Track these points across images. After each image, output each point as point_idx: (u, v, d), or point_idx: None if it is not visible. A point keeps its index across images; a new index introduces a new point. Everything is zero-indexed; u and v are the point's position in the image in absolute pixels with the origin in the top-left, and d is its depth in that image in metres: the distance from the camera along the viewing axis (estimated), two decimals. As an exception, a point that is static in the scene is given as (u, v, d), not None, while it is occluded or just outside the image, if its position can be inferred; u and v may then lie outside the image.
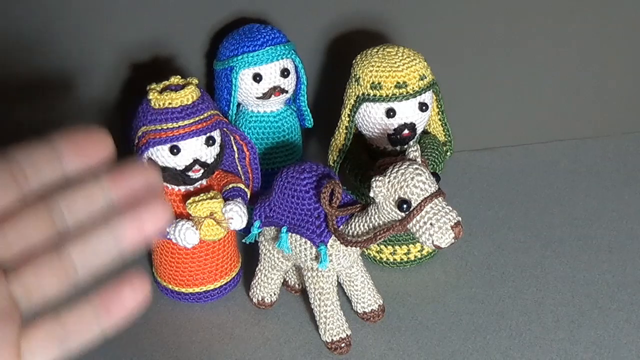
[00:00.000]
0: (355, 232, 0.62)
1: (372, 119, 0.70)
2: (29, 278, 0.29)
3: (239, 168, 0.72)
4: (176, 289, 0.72)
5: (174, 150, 0.65)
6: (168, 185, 0.69)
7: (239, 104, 0.78)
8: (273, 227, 0.66)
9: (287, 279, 0.73)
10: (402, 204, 0.57)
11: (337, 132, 0.73)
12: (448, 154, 0.76)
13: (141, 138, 0.65)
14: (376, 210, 0.60)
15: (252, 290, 0.72)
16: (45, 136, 0.31)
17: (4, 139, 0.87)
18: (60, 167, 0.31)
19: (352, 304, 0.70)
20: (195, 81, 0.67)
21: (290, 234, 0.64)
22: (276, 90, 0.75)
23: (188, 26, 0.82)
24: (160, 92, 0.65)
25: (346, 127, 0.71)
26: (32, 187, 0.30)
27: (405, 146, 0.70)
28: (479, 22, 0.88)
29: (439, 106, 0.73)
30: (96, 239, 0.30)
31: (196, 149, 0.65)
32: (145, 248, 0.79)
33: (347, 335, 0.67)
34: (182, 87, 0.66)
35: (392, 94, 0.68)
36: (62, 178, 0.31)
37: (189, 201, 0.66)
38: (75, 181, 0.31)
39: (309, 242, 0.64)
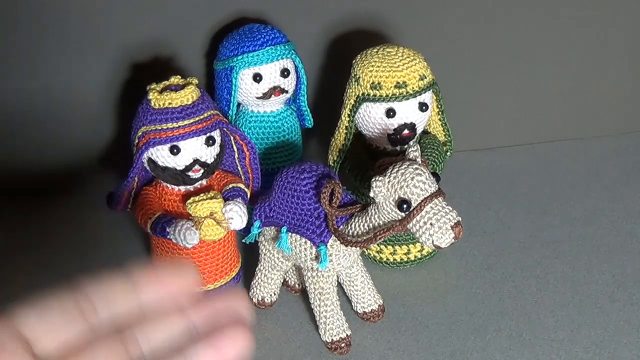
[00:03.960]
0: (355, 232, 0.62)
1: (372, 119, 0.70)
2: None
3: (239, 168, 0.72)
4: (176, 289, 0.72)
5: (174, 150, 0.64)
6: (168, 185, 0.69)
7: (239, 104, 0.78)
8: (273, 227, 0.66)
9: (287, 279, 0.73)
10: (402, 204, 0.57)
11: (337, 132, 0.73)
12: (448, 154, 0.76)
13: (141, 138, 0.65)
14: (376, 210, 0.60)
15: (252, 290, 0.72)
16: (123, 269, 0.31)
17: (5, 136, 0.87)
18: (135, 299, 0.30)
19: (352, 304, 0.70)
20: (195, 81, 0.67)
21: (290, 234, 0.64)
22: (276, 90, 0.75)
23: (188, 26, 0.82)
24: (160, 92, 0.65)
25: (346, 127, 0.71)
26: (101, 319, 0.30)
27: (405, 146, 0.70)
28: (479, 22, 0.88)
29: (439, 106, 0.73)
30: None
31: (196, 149, 0.65)
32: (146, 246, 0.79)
33: (347, 335, 0.67)
34: (182, 87, 0.66)
35: (392, 94, 0.68)
36: (138, 309, 0.31)
37: (189, 201, 0.66)
38: (154, 310, 0.31)
39: (309, 242, 0.64)
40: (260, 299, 0.71)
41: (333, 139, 0.74)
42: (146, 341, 0.30)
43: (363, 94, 0.69)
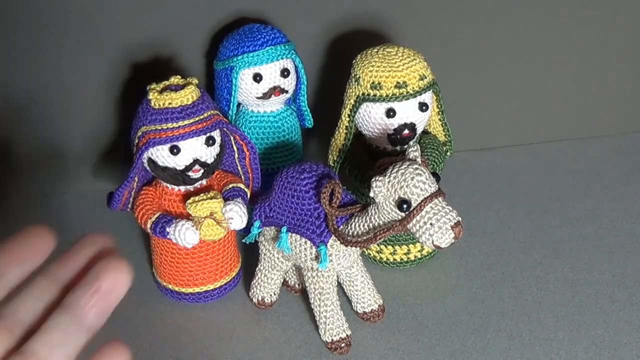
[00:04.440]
0: (355, 232, 0.62)
1: (372, 119, 0.70)
2: None
3: (239, 168, 0.72)
4: (176, 289, 0.72)
5: (174, 150, 0.64)
6: (168, 185, 0.69)
7: (239, 104, 0.78)
8: (273, 227, 0.66)
9: (287, 279, 0.73)
10: (402, 204, 0.57)
11: (337, 132, 0.73)
12: (448, 154, 0.76)
13: (141, 138, 0.65)
14: (376, 210, 0.60)
15: (252, 290, 0.72)
16: None
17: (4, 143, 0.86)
18: (4, 283, 0.30)
19: (352, 304, 0.70)
20: (195, 81, 0.67)
21: (290, 234, 0.64)
22: (276, 90, 0.75)
23: (188, 26, 0.82)
24: (160, 92, 0.65)
25: (346, 127, 0.71)
26: None
27: (405, 146, 0.70)
28: (479, 22, 0.88)
29: (439, 106, 0.73)
30: (59, 328, 0.29)
31: (196, 149, 0.65)
32: (144, 246, 0.79)
33: (347, 335, 0.67)
34: (182, 87, 0.66)
35: (392, 94, 0.68)
36: (7, 289, 0.30)
37: (189, 201, 0.66)
38: (20, 282, 0.31)
39: (309, 242, 0.64)
40: (260, 299, 0.71)
41: (333, 139, 0.74)
42: (26, 312, 0.30)
43: (363, 94, 0.69)
